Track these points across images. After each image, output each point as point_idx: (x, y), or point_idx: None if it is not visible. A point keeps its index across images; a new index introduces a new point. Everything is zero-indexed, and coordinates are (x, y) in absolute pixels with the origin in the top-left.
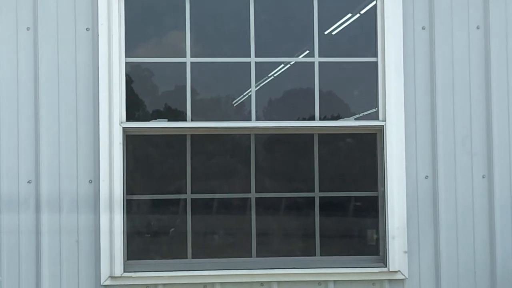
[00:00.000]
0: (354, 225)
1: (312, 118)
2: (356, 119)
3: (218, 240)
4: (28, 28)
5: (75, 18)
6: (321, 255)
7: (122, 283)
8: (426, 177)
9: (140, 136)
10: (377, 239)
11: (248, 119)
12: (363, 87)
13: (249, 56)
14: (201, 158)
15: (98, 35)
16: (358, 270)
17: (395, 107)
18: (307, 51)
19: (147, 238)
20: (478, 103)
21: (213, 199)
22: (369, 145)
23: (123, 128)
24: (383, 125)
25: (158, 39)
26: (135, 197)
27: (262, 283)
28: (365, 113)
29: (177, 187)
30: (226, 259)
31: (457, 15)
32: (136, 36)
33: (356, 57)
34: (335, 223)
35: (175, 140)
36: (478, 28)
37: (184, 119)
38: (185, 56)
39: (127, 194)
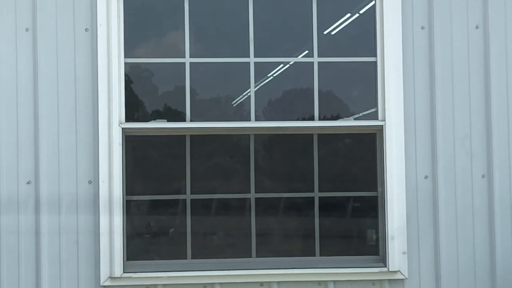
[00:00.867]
0: (354, 225)
1: (311, 118)
2: (355, 119)
3: (218, 241)
4: (27, 29)
5: (74, 18)
6: (320, 255)
7: (121, 283)
8: (426, 177)
9: (140, 137)
10: (377, 239)
11: (248, 119)
12: (362, 87)
13: (248, 56)
14: (200, 158)
15: (97, 35)
16: (358, 270)
17: (395, 107)
18: (306, 51)
19: (146, 238)
20: (477, 103)
21: (212, 199)
22: (369, 145)
23: (122, 128)
24: (382, 125)
25: (157, 40)
26: (135, 197)
27: (261, 284)
28: (364, 113)
29: (176, 187)
30: (225, 259)
31: (456, 14)
32: (135, 37)
33: (355, 57)
34: (335, 223)
35: (174, 140)
36: (477, 27)
37: (184, 120)
38: (184, 57)
39: (126, 194)
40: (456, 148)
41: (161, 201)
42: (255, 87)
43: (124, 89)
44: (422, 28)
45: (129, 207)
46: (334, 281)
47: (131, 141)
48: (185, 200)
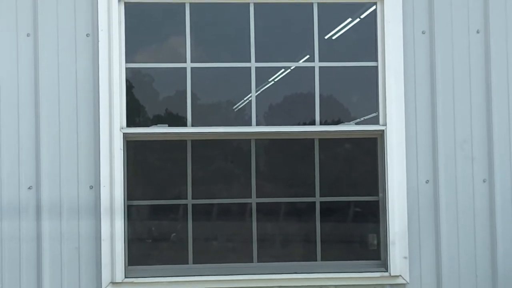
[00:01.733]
0: (355, 229)
1: (312, 123)
2: (356, 123)
3: (219, 246)
4: (28, 34)
5: (75, 24)
6: (322, 260)
7: None
8: (427, 182)
9: (141, 142)
10: (378, 244)
11: (249, 124)
12: (363, 92)
13: (249, 61)
14: (201, 163)
15: (98, 40)
16: (359, 274)
17: (396, 111)
18: (307, 56)
19: (148, 243)
20: (478, 107)
21: (213, 204)
22: (370, 150)
23: (123, 133)
24: (383, 130)
25: (158, 45)
26: (136, 202)
27: None
28: (365, 117)
29: (177, 192)
30: (227, 264)
31: (457, 19)
32: (136, 42)
33: (356, 62)
34: (336, 228)
35: (175, 145)
36: (478, 32)
37: (185, 125)
38: (185, 62)
39: (127, 199)
40: (457, 152)
41: (162, 206)
42: (256, 92)
43: (125, 94)
44: (423, 32)
45: (130, 212)
46: (336, 286)
47: (132, 146)
48: (186, 205)
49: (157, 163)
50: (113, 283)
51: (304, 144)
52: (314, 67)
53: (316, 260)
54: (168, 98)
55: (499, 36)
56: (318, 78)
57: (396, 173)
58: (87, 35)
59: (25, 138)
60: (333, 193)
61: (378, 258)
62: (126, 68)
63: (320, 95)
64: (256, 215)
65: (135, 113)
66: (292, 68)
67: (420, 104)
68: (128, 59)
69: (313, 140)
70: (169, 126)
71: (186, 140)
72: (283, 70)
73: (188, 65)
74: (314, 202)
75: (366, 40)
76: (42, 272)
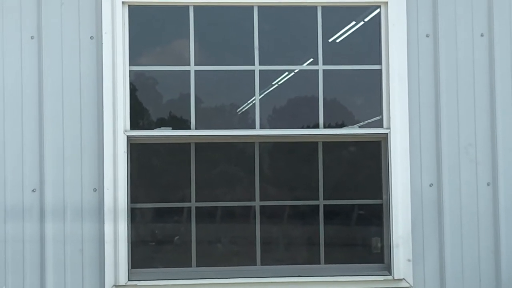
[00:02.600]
0: (359, 233)
1: (316, 126)
2: (360, 127)
3: (223, 248)
4: (32, 37)
5: (79, 26)
6: (325, 263)
7: None
8: (431, 185)
9: (144, 145)
10: (382, 247)
11: (252, 127)
12: (367, 95)
13: (253, 64)
14: (205, 166)
15: (102, 43)
16: (362, 278)
17: (400, 114)
18: (311, 59)
19: (151, 246)
20: (482, 111)
21: (217, 207)
22: (374, 153)
23: (127, 136)
24: (387, 133)
25: (162, 48)
26: (140, 205)
27: None
28: (369, 120)
29: (181, 195)
30: (230, 267)
31: (461, 22)
32: (140, 45)
33: (360, 65)
34: (340, 231)
35: (179, 148)
36: (482, 35)
37: (188, 127)
38: (189, 64)
39: (131, 202)
40: (461, 156)
41: (166, 208)
42: (260, 95)
43: (129, 97)
44: (427, 36)
45: (134, 215)
46: None
47: (136, 149)
48: (190, 207)
49: (160, 166)
50: (116, 285)
51: (307, 147)
52: (318, 70)
53: (319, 263)
54: (172, 101)
55: (503, 39)
56: (322, 81)
57: (400, 176)
58: (91, 37)
59: (28, 140)
60: (337, 196)
61: (382, 262)
62: (130, 71)
63: (324, 98)
64: (259, 218)
65: (139, 115)
66: (296, 71)
67: (424, 107)
68: (132, 62)
69: (316, 143)
70: (173, 129)
71: (189, 143)
72: (287, 73)
73: (192, 68)
74: (318, 205)
75: (370, 43)
76: (46, 274)
